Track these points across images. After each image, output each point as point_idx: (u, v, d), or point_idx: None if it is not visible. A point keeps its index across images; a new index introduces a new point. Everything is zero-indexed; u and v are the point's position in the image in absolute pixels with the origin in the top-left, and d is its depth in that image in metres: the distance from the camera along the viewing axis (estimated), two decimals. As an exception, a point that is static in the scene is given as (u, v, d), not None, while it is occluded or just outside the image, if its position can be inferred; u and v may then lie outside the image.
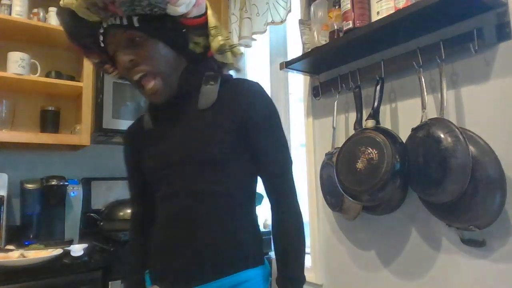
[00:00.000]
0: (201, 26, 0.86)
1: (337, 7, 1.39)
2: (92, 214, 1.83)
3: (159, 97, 0.86)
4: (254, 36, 1.98)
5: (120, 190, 1.96)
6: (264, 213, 2.14)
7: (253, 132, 0.85)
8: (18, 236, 1.66)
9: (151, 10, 0.79)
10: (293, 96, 2.12)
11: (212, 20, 0.88)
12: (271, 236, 0.90)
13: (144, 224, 1.01)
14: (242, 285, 0.82)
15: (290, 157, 0.91)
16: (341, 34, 1.37)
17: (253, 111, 0.85)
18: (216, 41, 0.86)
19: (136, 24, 0.80)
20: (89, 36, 0.85)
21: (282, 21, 1.81)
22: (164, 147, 0.90)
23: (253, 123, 0.85)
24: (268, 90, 2.21)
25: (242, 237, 0.85)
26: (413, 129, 1.19)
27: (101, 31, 0.83)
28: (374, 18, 1.24)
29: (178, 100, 0.89)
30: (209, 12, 0.88)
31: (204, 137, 0.84)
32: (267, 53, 2.18)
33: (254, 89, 0.87)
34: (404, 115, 1.33)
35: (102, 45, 0.84)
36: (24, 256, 1.34)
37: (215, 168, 0.84)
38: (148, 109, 0.96)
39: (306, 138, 1.74)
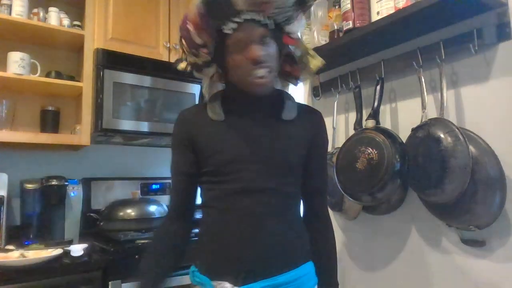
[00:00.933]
0: (287, 46, 0.96)
1: (337, 7, 1.39)
2: (92, 214, 1.83)
3: (265, 90, 0.92)
4: (254, 36, 1.98)
5: (120, 190, 1.96)
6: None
7: (314, 154, 1.00)
8: (18, 236, 1.66)
9: (283, 20, 0.91)
10: (293, 96, 2.12)
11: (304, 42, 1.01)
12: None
13: (181, 219, 0.99)
14: (304, 277, 0.92)
15: None
16: (341, 34, 1.37)
17: (321, 137, 1.03)
18: (319, 61, 1.00)
19: (272, 27, 0.89)
20: (222, 19, 0.87)
21: (282, 21, 1.81)
22: (248, 143, 0.93)
23: (318, 147, 1.01)
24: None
25: (304, 234, 0.97)
26: (413, 129, 1.19)
27: (239, 20, 0.86)
28: (374, 18, 1.24)
29: (263, 104, 0.96)
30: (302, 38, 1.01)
31: (289, 146, 0.96)
32: (267, 53, 2.17)
33: (323, 120, 1.05)
34: (404, 115, 1.33)
35: (230, 32, 0.87)
36: (24, 256, 1.34)
37: (292, 174, 0.95)
38: (217, 100, 0.97)
39: (306, 138, 1.74)
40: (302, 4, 0.92)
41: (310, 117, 1.03)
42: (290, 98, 1.02)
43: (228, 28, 0.86)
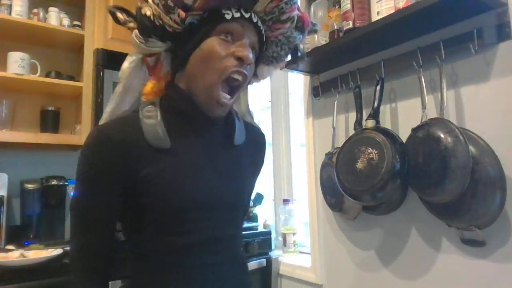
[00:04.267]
0: None
1: (337, 7, 1.39)
2: (92, 214, 1.83)
3: (223, 113, 0.76)
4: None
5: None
6: (263, 213, 2.14)
7: (253, 180, 0.92)
8: (18, 236, 1.66)
9: (269, 55, 0.83)
10: (293, 96, 2.12)
11: None
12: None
13: (103, 281, 0.77)
14: None
15: None
16: (341, 34, 1.37)
17: (261, 164, 0.95)
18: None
19: (262, 47, 0.80)
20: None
21: (282, 21, 1.81)
22: (205, 184, 0.75)
23: (257, 173, 0.94)
24: (268, 90, 2.23)
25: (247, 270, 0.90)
26: (413, 129, 1.19)
27: (245, 14, 0.73)
28: (374, 18, 1.24)
29: (214, 124, 0.79)
30: None
31: (244, 182, 0.84)
32: (267, 53, 2.17)
33: (265, 143, 0.95)
34: (404, 115, 1.33)
35: (228, 17, 0.71)
36: (24, 256, 1.34)
37: (241, 214, 0.85)
38: (157, 118, 0.74)
39: (306, 138, 1.74)
40: (293, 55, 0.86)
41: (255, 141, 0.91)
42: (238, 116, 0.86)
43: (231, 13, 0.71)
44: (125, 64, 0.79)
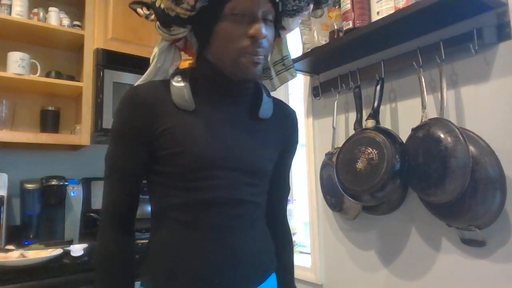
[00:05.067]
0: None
1: (337, 7, 1.39)
2: (92, 214, 1.83)
3: (254, 78, 0.78)
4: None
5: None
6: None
7: (286, 159, 0.94)
8: (18, 236, 1.67)
9: (290, 9, 0.81)
10: (293, 96, 2.12)
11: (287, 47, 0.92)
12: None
13: (127, 230, 0.81)
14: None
15: None
16: (341, 34, 1.37)
17: (294, 141, 0.95)
18: (289, 73, 0.94)
19: (280, 8, 0.78)
20: None
21: (282, 21, 1.81)
22: (224, 145, 0.78)
23: (290, 152, 0.95)
24: (268, 90, 2.23)
25: (271, 244, 0.90)
26: (413, 129, 1.19)
27: None
28: (374, 18, 1.24)
29: (241, 96, 0.83)
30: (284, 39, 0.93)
31: (266, 152, 0.85)
32: (267, 53, 2.17)
33: (297, 121, 0.96)
34: (404, 115, 1.33)
35: None
36: (24, 256, 1.34)
37: (265, 182, 0.86)
38: (185, 82, 0.79)
39: (306, 138, 1.74)
40: (316, 2, 0.86)
41: (285, 117, 0.93)
42: (266, 91, 0.88)
43: None
44: (155, 50, 0.84)
